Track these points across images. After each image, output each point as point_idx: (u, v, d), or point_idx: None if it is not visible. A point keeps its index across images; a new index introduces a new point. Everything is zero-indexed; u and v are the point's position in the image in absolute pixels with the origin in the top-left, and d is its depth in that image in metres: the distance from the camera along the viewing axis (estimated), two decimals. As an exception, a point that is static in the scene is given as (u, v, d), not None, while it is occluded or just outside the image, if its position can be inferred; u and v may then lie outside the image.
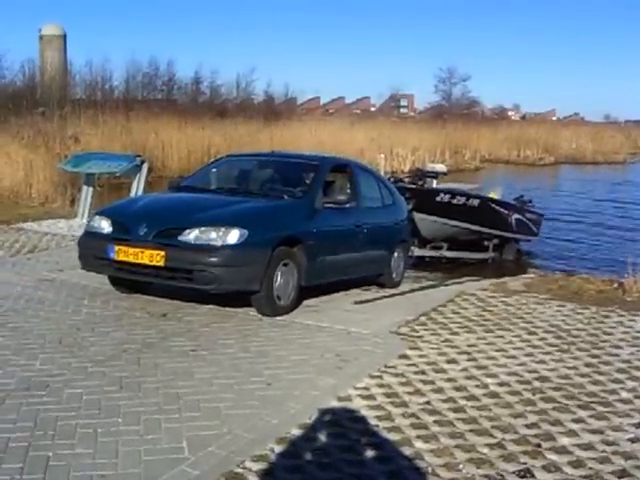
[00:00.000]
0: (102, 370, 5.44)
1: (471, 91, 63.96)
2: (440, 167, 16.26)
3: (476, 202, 13.95)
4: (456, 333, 6.76)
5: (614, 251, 16.02)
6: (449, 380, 5.50)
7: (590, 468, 4.15)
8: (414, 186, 13.46)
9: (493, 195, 15.20)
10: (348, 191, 8.56)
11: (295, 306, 7.49)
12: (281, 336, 6.54)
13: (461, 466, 4.13)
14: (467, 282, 9.62)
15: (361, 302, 8.12)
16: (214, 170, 9.20)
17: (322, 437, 4.45)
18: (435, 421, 4.74)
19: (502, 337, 6.68)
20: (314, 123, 37.59)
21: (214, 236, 6.88)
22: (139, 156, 13.48)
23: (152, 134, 26.13)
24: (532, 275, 10.09)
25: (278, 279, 7.15)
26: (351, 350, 6.15)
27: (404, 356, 6.03)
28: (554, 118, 78.31)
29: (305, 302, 7.74)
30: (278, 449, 4.25)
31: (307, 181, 8.43)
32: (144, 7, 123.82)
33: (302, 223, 7.69)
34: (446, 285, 9.42)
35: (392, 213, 9.55)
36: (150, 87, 42.98)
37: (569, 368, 5.86)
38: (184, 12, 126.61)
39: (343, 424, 4.64)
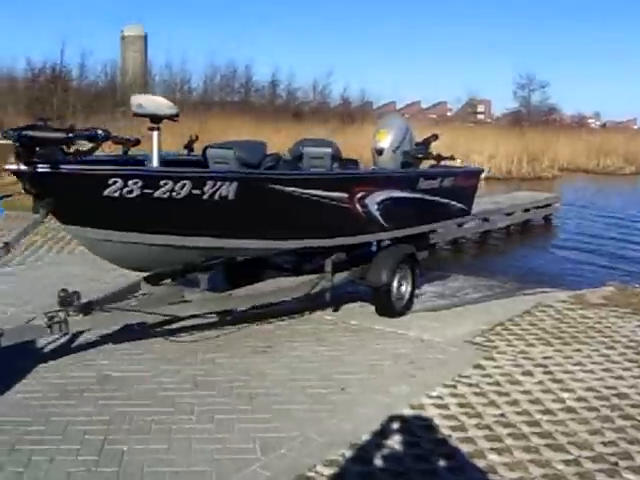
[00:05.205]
0: (177, 368, 5.53)
1: (550, 98, 62.88)
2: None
3: (232, 190, 5.55)
4: (532, 345, 6.62)
5: None
6: (524, 392, 5.39)
7: (671, 490, 4.03)
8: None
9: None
10: None
11: None
12: (355, 341, 6.51)
13: (536, 481, 4.05)
14: (544, 293, 9.43)
15: (434, 310, 8.02)
16: None
17: (394, 444, 4.42)
18: (509, 434, 4.65)
19: (579, 351, 6.51)
20: (389, 128, 37.51)
21: None
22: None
23: (230, 136, 26.43)
24: (611, 288, 9.82)
25: None
26: (424, 358, 6.09)
27: (479, 366, 5.94)
28: (635, 127, 76.38)
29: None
30: (349, 454, 4.24)
31: None
32: (223, 10, 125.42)
33: None
34: (522, 295, 9.24)
35: None
36: (228, 89, 43.59)
37: (649, 386, 5.68)
38: (263, 16, 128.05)
39: (416, 432, 4.59)
